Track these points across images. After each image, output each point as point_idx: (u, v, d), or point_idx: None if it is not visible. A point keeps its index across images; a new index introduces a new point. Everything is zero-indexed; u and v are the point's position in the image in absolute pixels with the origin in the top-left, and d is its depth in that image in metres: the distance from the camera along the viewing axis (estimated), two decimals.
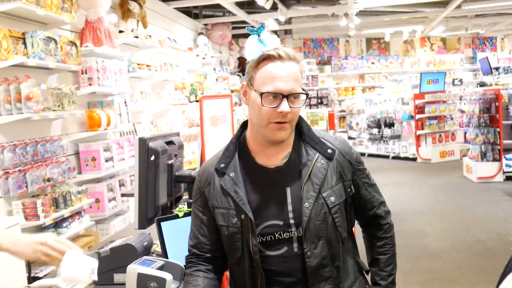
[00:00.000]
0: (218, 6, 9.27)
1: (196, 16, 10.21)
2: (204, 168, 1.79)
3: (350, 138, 14.35)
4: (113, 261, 2.07)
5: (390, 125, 13.70)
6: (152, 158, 2.20)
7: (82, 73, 5.25)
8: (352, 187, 1.76)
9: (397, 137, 13.54)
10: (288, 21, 11.71)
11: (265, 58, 1.61)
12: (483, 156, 10.16)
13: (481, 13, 12.41)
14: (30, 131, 4.55)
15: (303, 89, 1.65)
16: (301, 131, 1.73)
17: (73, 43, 4.98)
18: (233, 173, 1.68)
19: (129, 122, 5.84)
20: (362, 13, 10.88)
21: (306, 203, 1.63)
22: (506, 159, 9.98)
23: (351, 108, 14.69)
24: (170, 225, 2.15)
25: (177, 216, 2.19)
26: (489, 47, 15.91)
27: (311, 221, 1.63)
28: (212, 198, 1.71)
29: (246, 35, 11.75)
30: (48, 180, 4.54)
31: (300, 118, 1.74)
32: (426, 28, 13.41)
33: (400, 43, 15.40)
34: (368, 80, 15.33)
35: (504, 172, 9.96)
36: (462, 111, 11.93)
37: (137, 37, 6.40)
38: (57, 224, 4.60)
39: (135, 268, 1.94)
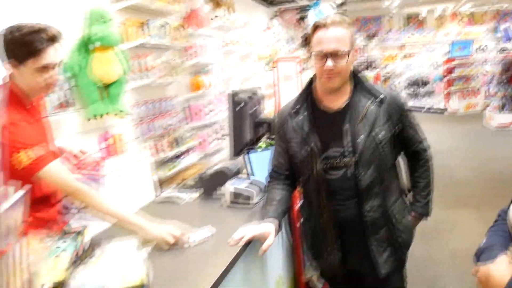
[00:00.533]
0: None
1: (270, 3, 10.03)
2: (282, 111, 1.84)
3: None
4: (213, 181, 2.18)
5: (425, 84, 13.05)
6: (239, 107, 2.27)
7: (188, 49, 5.35)
8: (398, 126, 1.73)
9: (431, 93, 12.86)
10: (343, 3, 11.28)
11: (316, 27, 1.64)
12: (502, 108, 9.56)
13: None
14: (153, 93, 4.75)
15: (346, 51, 1.60)
16: (358, 82, 1.73)
17: (180, 27, 5.07)
18: (303, 115, 1.72)
19: (223, 84, 5.95)
20: None
21: (360, 137, 1.64)
22: None
23: (393, 72, 14.17)
24: (254, 155, 2.22)
25: (259, 149, 2.26)
26: (510, 20, 14.60)
27: (364, 151, 1.64)
28: (287, 133, 1.75)
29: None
30: (168, 126, 4.75)
31: (357, 71, 1.76)
32: (456, 5, 12.51)
33: (434, 19, 14.46)
34: (407, 49, 14.60)
35: None
36: (486, 72, 11.20)
37: (226, 20, 6.41)
38: (174, 159, 4.84)
39: (230, 185, 2.03)
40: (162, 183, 4.54)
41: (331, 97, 1.71)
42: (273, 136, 1.87)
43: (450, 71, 11.95)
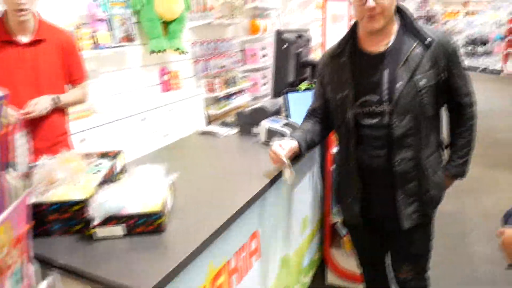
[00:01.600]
0: None
1: None
2: (324, 54, 1.61)
3: None
4: (253, 118, 2.02)
5: (484, 43, 11.76)
6: (285, 45, 2.03)
7: None
8: (444, 74, 1.45)
9: (489, 53, 11.60)
10: None
11: None
12: None
13: None
14: (212, 33, 4.55)
15: None
16: (405, 21, 1.45)
17: None
18: (343, 58, 1.48)
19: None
20: None
21: (399, 83, 1.39)
22: None
23: (453, 29, 12.87)
24: (294, 96, 2.02)
25: (299, 90, 2.04)
26: None
27: (401, 98, 1.39)
28: (326, 76, 1.55)
29: None
30: (223, 67, 4.58)
31: (404, 9, 1.45)
32: None
33: None
34: (471, 6, 13.14)
35: None
36: None
37: None
38: (228, 97, 4.71)
39: (266, 123, 1.87)
40: (213, 120, 4.47)
41: (374, 39, 1.44)
42: (317, 76, 1.64)
43: None
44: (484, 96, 8.03)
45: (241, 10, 4.69)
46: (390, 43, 1.43)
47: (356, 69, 1.46)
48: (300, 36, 2.19)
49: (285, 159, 1.50)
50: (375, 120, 1.44)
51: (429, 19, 9.05)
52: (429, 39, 1.40)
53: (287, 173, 1.52)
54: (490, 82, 9.87)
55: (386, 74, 1.42)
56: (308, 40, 2.28)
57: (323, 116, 1.63)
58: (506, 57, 10.85)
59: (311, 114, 1.67)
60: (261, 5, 5.08)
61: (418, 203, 1.50)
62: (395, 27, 1.44)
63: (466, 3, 13.16)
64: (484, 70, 11.53)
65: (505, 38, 10.83)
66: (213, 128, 2.17)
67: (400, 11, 1.44)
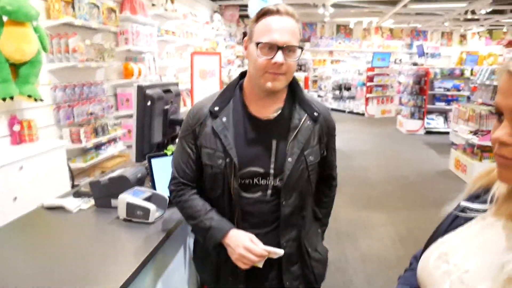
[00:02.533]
0: None
1: None
2: (198, 108, 1.34)
3: (319, 96, 13.85)
4: (111, 189, 1.68)
5: (348, 88, 13.13)
6: (149, 103, 1.77)
7: (121, 34, 4.70)
8: (324, 149, 1.38)
9: (352, 97, 12.96)
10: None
11: (264, 13, 1.21)
12: (412, 115, 9.83)
13: (420, 12, 11.65)
14: (77, 76, 4.07)
15: (299, 46, 1.22)
16: (294, 90, 1.33)
17: (113, 10, 4.41)
18: (225, 118, 1.27)
19: (156, 74, 5.33)
20: (335, 5, 10.15)
21: (290, 158, 1.26)
22: (427, 118, 9.70)
23: (322, 75, 14.16)
24: (159, 161, 1.74)
25: (165, 155, 1.77)
26: (422, 37, 15.15)
27: (292, 175, 1.26)
28: (202, 138, 1.29)
29: (247, 16, 10.95)
30: (91, 114, 4.10)
31: (295, 79, 1.33)
32: (380, 20, 12.65)
33: (360, 30, 14.60)
34: (335, 55, 14.67)
35: (425, 128, 9.69)
36: (400, 82, 11.47)
37: (166, 10, 5.78)
38: (97, 147, 4.20)
39: (124, 197, 1.55)
40: (78, 174, 3.92)
41: (262, 103, 1.29)
42: (182, 135, 1.36)
43: (370, 78, 12.11)
44: (353, 137, 8.81)
45: (111, 53, 4.31)
46: (280, 111, 1.30)
47: (240, 134, 1.28)
48: (167, 91, 1.95)
49: (268, 249, 1.22)
50: (257, 194, 1.28)
51: (301, 67, 9.71)
52: (315, 113, 1.31)
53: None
54: (357, 122, 10.94)
55: (274, 145, 1.27)
56: (178, 95, 2.06)
57: (197, 184, 1.37)
58: (367, 100, 12.22)
59: (184, 183, 1.35)
60: (134, 48, 4.76)
61: (305, 284, 1.34)
62: (284, 94, 1.32)
63: (331, 53, 14.66)
64: (351, 112, 12.79)
65: (364, 85, 12.24)
66: (62, 201, 1.76)
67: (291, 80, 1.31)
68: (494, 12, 10.85)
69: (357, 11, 11.12)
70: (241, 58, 9.57)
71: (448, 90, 9.47)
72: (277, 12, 1.19)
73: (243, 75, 1.37)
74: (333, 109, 13.41)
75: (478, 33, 14.87)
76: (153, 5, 5.60)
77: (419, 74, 9.68)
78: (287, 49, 1.18)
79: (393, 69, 12.62)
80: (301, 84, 5.90)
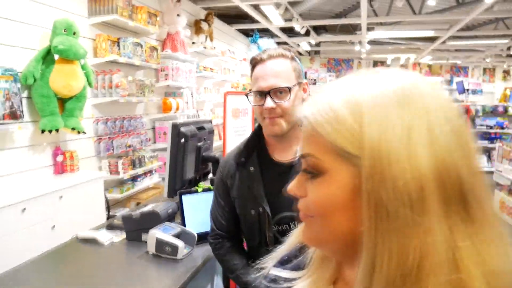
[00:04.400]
0: (267, 30, 8.77)
1: (251, 36, 9.73)
2: (226, 161, 1.38)
3: None
4: (142, 223, 1.71)
5: None
6: (182, 140, 1.81)
7: (161, 71, 4.91)
8: None
9: None
10: (318, 44, 11.08)
11: (253, 64, 1.26)
12: None
13: (459, 48, 11.46)
14: (119, 110, 4.26)
15: (288, 87, 1.21)
16: None
17: (155, 48, 4.64)
18: (252, 167, 1.29)
19: (193, 109, 5.49)
20: (371, 42, 10.19)
21: None
22: None
23: None
24: (190, 197, 1.76)
25: (196, 191, 1.79)
26: (463, 74, 14.82)
27: None
28: (233, 189, 1.33)
29: None
30: (129, 146, 4.24)
31: None
32: (418, 56, 12.53)
33: (398, 66, 14.52)
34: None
35: None
36: None
37: (205, 47, 6.00)
38: (133, 179, 4.32)
39: (154, 233, 1.57)
40: (113, 205, 4.02)
41: (280, 146, 1.30)
42: (215, 187, 1.40)
43: None
44: None
45: (151, 88, 4.50)
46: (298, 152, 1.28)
47: (268, 181, 1.28)
48: (201, 128, 2.00)
49: None
50: None
51: None
52: None
53: None
54: None
55: None
56: (211, 132, 2.10)
57: (238, 232, 1.38)
58: None
59: (221, 235, 1.37)
60: (173, 84, 4.95)
61: None
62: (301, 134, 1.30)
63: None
64: None
65: None
66: (96, 234, 1.81)
67: None
68: None
69: (394, 47, 11.10)
70: None
71: (491, 127, 9.12)
72: (261, 60, 1.23)
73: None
74: None
75: None
76: (193, 43, 5.84)
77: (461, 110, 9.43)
78: (275, 93, 1.19)
79: None
80: None
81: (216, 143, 5.13)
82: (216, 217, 1.38)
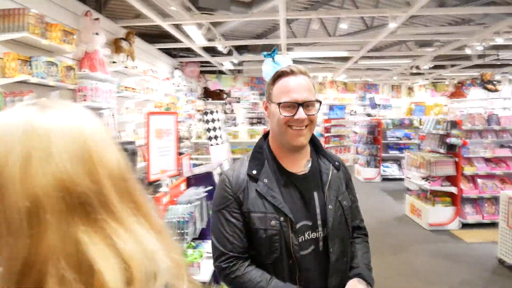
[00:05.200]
0: (190, 49, 8.81)
1: (174, 56, 9.68)
2: (234, 176, 1.34)
3: None
4: None
5: None
6: None
7: (79, 91, 4.69)
8: (351, 195, 1.47)
9: None
10: (240, 63, 11.35)
11: (280, 75, 1.31)
12: (368, 163, 10.16)
13: (370, 67, 12.46)
14: None
15: (317, 100, 1.32)
16: (316, 144, 1.45)
17: (71, 68, 4.42)
18: (266, 179, 1.30)
19: (115, 130, 5.30)
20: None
21: (330, 205, 1.32)
22: (383, 166, 10.05)
23: None
24: None
25: None
26: (374, 90, 16.06)
27: (334, 222, 1.32)
28: (247, 203, 1.29)
29: (210, 71, 11.29)
30: None
31: (314, 135, 1.43)
32: (334, 75, 13.36)
33: (316, 84, 15.34)
34: None
35: (381, 175, 10.00)
36: (355, 133, 11.96)
37: (126, 67, 5.86)
38: None
39: None
40: None
41: (293, 158, 1.35)
42: (221, 207, 1.32)
43: (328, 129, 12.58)
44: None
45: None
46: (310, 164, 1.37)
47: (284, 191, 1.30)
48: (124, 150, 1.95)
49: None
50: (310, 249, 1.30)
51: (260, 120, 9.96)
52: (337, 163, 1.42)
53: None
54: None
55: (316, 196, 1.33)
56: (134, 153, 2.06)
57: (248, 252, 1.31)
58: None
59: (234, 256, 1.29)
60: (92, 105, 4.74)
61: None
62: (309, 148, 1.41)
63: None
64: None
65: (323, 136, 12.65)
66: None
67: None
68: (436, 67, 11.79)
69: (313, 66, 11.74)
70: (201, 113, 9.70)
71: (400, 139, 9.98)
72: (292, 73, 1.29)
73: (265, 137, 1.44)
74: None
75: (424, 85, 15.98)
76: (113, 62, 5.67)
77: (372, 124, 10.17)
78: (306, 105, 1.27)
79: (348, 120, 13.22)
80: (260, 136, 6.04)
81: (141, 164, 4.98)
82: (224, 239, 1.30)
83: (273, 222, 1.26)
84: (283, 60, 1.34)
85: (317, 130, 12.88)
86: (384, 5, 6.74)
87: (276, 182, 1.31)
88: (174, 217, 1.94)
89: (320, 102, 1.33)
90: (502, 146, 5.95)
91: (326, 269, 1.31)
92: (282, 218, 1.26)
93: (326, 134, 12.49)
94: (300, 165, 1.36)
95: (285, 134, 1.29)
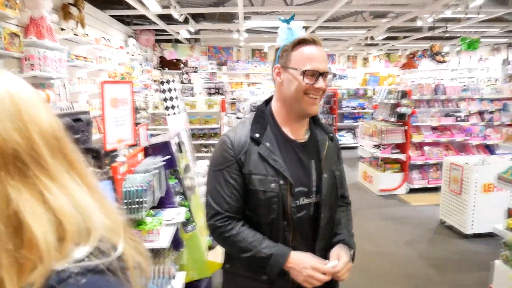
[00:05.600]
0: (145, 17, 8.49)
1: (128, 23, 9.30)
2: (236, 138, 1.35)
3: (238, 118, 14.11)
4: None
5: None
6: None
7: (26, 60, 4.44)
8: (341, 165, 1.55)
9: None
10: (197, 32, 11.10)
11: (300, 42, 1.32)
12: None
13: (326, 38, 12.59)
14: None
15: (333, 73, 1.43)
16: (314, 115, 1.47)
17: (16, 35, 4.17)
18: (268, 143, 1.33)
19: (67, 101, 5.10)
20: (249, 31, 10.59)
21: (325, 174, 1.38)
22: (339, 135, 10.37)
23: (240, 97, 14.52)
24: None
25: None
26: (331, 61, 16.29)
27: (328, 190, 1.38)
28: (249, 165, 1.31)
29: (166, 40, 10.98)
30: None
31: None
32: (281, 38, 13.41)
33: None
34: (252, 78, 15.17)
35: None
36: None
37: (76, 35, 5.59)
38: None
39: None
40: None
41: (295, 126, 1.40)
42: (221, 167, 1.34)
43: None
44: None
45: None
46: (309, 133, 1.42)
47: (284, 156, 1.35)
48: (77, 120, 1.92)
49: (332, 265, 1.32)
50: (302, 213, 1.36)
51: (218, 90, 9.90)
52: (331, 134, 1.49)
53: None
54: None
55: (313, 164, 1.38)
56: (89, 124, 2.03)
57: (243, 212, 1.37)
58: None
59: (229, 216, 1.33)
60: (41, 75, 4.53)
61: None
62: (307, 118, 1.45)
63: (248, 75, 15.13)
64: None
65: None
66: None
67: None
68: (389, 38, 12.12)
69: (270, 36, 11.70)
70: (158, 83, 9.47)
71: (354, 108, 10.30)
72: (313, 42, 1.32)
73: (266, 102, 1.46)
74: None
75: (378, 56, 16.40)
76: (62, 29, 5.40)
77: (329, 94, 10.40)
78: (326, 75, 1.33)
79: None
80: (218, 106, 6.03)
81: (96, 135, 4.87)
82: (222, 198, 1.33)
83: (273, 185, 1.30)
84: (298, 28, 1.35)
85: None
86: None
87: (278, 147, 1.34)
88: (132, 186, 1.97)
89: (335, 75, 1.40)
90: (447, 115, 6.32)
91: (315, 233, 1.39)
92: (282, 181, 1.30)
93: None
94: (301, 133, 1.41)
95: (301, 101, 1.33)
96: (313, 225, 1.39)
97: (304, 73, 1.29)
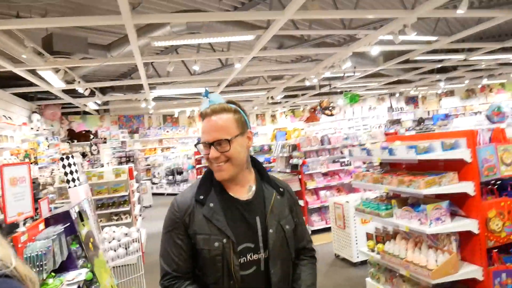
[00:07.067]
0: (49, 91, 8.65)
1: (31, 99, 9.36)
2: (181, 201, 1.46)
3: (153, 183, 14.24)
4: None
5: (180, 173, 14.01)
6: None
7: None
8: (295, 220, 1.56)
9: (185, 181, 13.87)
10: (106, 103, 11.40)
11: (202, 117, 1.45)
12: None
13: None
14: None
15: (227, 139, 1.40)
16: (260, 171, 1.56)
17: None
18: (212, 204, 1.42)
19: None
20: (157, 99, 11.11)
21: (271, 230, 1.43)
22: None
23: (154, 163, 14.74)
24: None
25: None
26: None
27: (275, 244, 1.43)
28: (193, 226, 1.41)
29: (73, 113, 11.04)
30: None
31: (258, 162, 1.59)
32: (200, 108, 14.10)
33: (185, 118, 15.98)
34: (165, 143, 15.56)
35: None
36: None
37: None
38: None
39: None
40: None
41: (235, 186, 1.48)
42: (169, 229, 1.44)
43: (199, 161, 13.19)
44: None
45: None
46: (253, 191, 1.48)
47: (228, 215, 1.41)
48: None
49: None
50: (251, 270, 1.41)
51: (129, 158, 10.12)
52: (281, 189, 1.53)
53: None
54: None
55: (258, 221, 1.43)
56: None
57: (192, 272, 1.45)
58: None
59: (177, 277, 1.42)
60: None
61: None
62: (253, 175, 1.52)
63: (161, 141, 15.53)
64: None
65: (194, 167, 13.22)
66: None
67: (255, 162, 1.57)
68: (289, 96, 13.49)
69: (179, 102, 12.38)
70: (68, 154, 9.46)
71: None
72: (205, 114, 1.42)
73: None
74: (168, 194, 13.94)
75: (284, 112, 17.90)
76: None
77: None
78: (218, 143, 1.39)
79: None
80: (126, 175, 6.30)
81: None
82: (170, 259, 1.42)
83: (216, 244, 1.36)
84: (216, 98, 1.46)
85: (189, 163, 13.43)
86: (233, 47, 7.75)
87: (221, 207, 1.41)
88: (33, 252, 2.28)
89: (229, 140, 1.39)
90: (334, 161, 7.31)
91: None
92: (225, 240, 1.36)
93: (198, 166, 13.08)
94: (243, 191, 1.47)
95: (212, 168, 1.45)
96: (265, 281, 1.42)
97: (196, 146, 1.49)
